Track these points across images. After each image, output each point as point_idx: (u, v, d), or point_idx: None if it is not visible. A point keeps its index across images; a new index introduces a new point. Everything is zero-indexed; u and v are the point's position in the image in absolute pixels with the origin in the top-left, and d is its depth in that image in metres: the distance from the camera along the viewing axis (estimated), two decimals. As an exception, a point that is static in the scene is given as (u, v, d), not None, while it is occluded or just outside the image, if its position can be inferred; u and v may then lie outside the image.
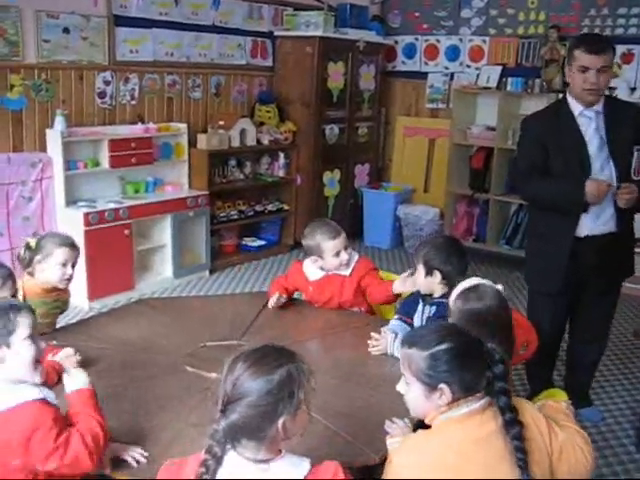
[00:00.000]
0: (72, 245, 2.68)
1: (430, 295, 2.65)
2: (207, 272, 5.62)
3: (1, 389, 1.73)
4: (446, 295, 2.52)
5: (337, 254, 2.95)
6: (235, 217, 5.93)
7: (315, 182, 6.31)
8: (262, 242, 6.30)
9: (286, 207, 6.34)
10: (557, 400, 1.98)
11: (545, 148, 2.99)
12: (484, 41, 6.34)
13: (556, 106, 3.17)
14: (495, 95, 6.07)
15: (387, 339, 2.53)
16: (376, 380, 2.35)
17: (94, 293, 4.64)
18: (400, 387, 1.78)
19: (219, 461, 1.47)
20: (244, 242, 6.21)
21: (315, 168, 6.26)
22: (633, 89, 5.48)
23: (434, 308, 2.61)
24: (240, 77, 6.10)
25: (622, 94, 5.38)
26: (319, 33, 5.92)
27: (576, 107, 2.98)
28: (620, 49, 5.56)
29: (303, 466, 1.50)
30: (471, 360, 1.66)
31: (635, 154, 2.91)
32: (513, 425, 1.62)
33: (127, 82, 5.17)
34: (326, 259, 2.97)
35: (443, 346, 1.65)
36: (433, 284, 2.62)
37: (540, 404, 1.93)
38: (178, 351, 2.50)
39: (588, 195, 2.86)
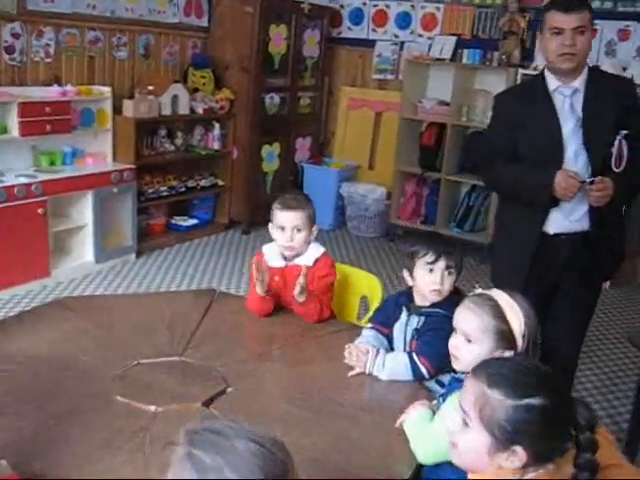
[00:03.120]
0: None
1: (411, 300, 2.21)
2: (133, 255, 5.04)
3: None
4: (443, 304, 2.12)
5: (282, 229, 2.46)
6: (165, 194, 5.39)
7: (253, 156, 5.78)
8: (194, 221, 5.78)
9: (221, 183, 5.83)
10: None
11: (516, 129, 2.60)
12: (438, 9, 5.90)
13: (533, 81, 2.74)
14: (449, 67, 5.65)
15: (368, 356, 2.08)
16: (355, 409, 1.89)
17: (1, 282, 4.00)
18: (451, 423, 1.36)
19: None
20: (174, 221, 5.68)
21: (253, 141, 5.73)
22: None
23: (423, 319, 2.17)
24: (172, 37, 5.50)
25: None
26: (261, -9, 5.34)
27: (553, 82, 2.58)
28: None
29: None
30: (561, 425, 1.26)
31: (617, 140, 2.48)
32: None
33: (40, 36, 4.50)
34: (271, 231, 2.52)
35: (536, 401, 1.25)
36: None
37: None
38: (104, 372, 1.96)
39: (556, 188, 2.45)
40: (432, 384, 2.12)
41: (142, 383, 1.91)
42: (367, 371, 2.07)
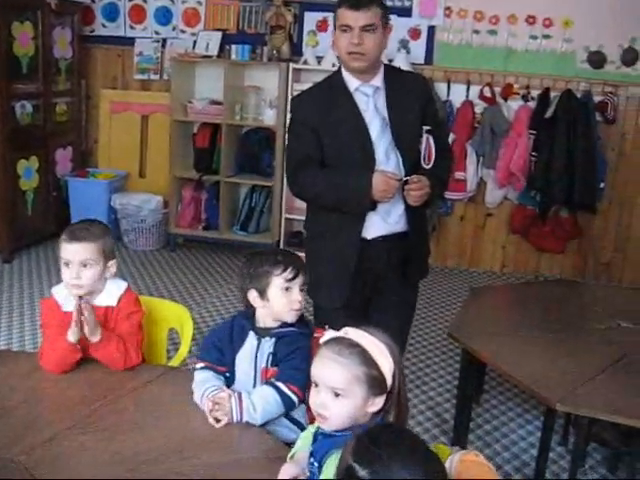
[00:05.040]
0: None
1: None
2: None
3: None
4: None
5: (67, 264, 2.06)
6: None
7: (7, 173, 5.03)
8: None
9: (-30, 206, 5.00)
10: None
11: (319, 134, 2.45)
12: (200, 3, 5.57)
13: (330, 81, 2.57)
14: (218, 64, 5.37)
15: (232, 403, 1.79)
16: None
17: None
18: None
19: None
20: None
21: (5, 156, 4.98)
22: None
23: (275, 341, 1.93)
24: None
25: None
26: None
27: (352, 82, 2.47)
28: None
29: None
30: None
31: (424, 137, 2.46)
32: None
33: None
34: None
35: None
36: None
37: (457, 460, 1.42)
38: None
39: (375, 192, 2.35)
40: (282, 426, 1.90)
41: None
42: (235, 420, 1.79)
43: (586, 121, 4.99)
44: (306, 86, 5.11)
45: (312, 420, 1.91)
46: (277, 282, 1.93)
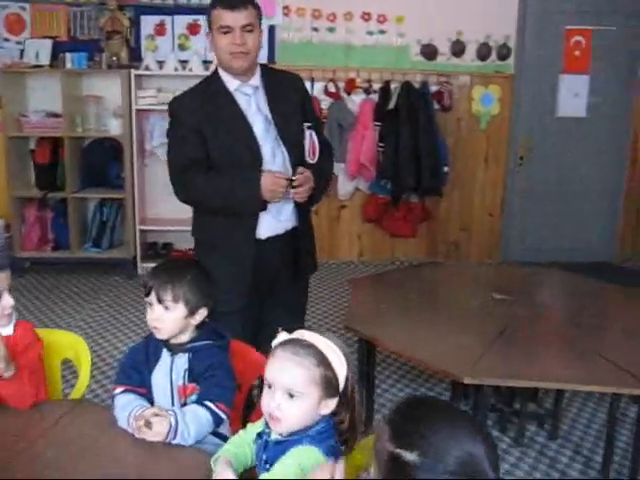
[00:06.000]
0: None
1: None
2: None
3: None
4: (202, 334, 1.90)
5: None
6: None
7: None
8: None
9: None
10: None
11: (203, 136, 2.43)
12: (23, 8, 5.17)
13: (208, 84, 2.55)
14: (52, 74, 5.03)
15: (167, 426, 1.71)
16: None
17: None
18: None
19: None
20: None
21: None
22: (206, 62, 5.13)
23: (190, 356, 1.88)
24: None
25: (196, 69, 5.01)
26: None
27: (231, 83, 2.48)
28: (185, 20, 5.18)
29: None
30: None
31: (307, 133, 2.52)
32: None
33: None
34: None
35: None
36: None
37: None
38: None
39: (264, 192, 2.37)
40: (208, 443, 1.84)
41: None
42: (173, 441, 1.72)
43: (426, 110, 5.27)
44: (150, 93, 5.06)
45: (235, 431, 1.89)
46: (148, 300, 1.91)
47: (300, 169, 2.43)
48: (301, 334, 1.51)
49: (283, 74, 2.74)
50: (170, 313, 1.86)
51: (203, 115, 2.43)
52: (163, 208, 5.20)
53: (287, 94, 2.56)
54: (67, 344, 2.36)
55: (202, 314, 1.92)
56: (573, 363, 2.56)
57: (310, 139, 2.52)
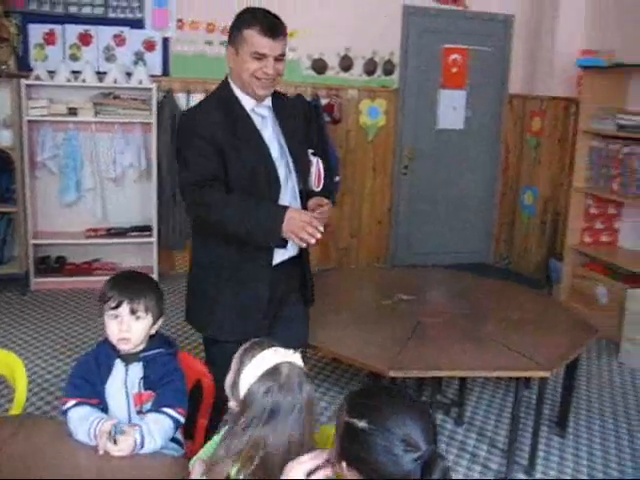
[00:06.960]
0: None
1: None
2: None
3: None
4: (154, 343, 1.99)
5: None
6: None
7: None
8: None
9: None
10: None
11: (223, 153, 2.26)
12: None
13: (221, 98, 2.37)
14: None
15: (135, 436, 1.77)
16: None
17: None
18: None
19: None
20: None
21: None
22: (100, 73, 5.08)
23: (141, 365, 1.95)
24: None
25: (89, 79, 4.96)
26: None
27: (247, 101, 2.34)
28: (77, 29, 5.11)
29: None
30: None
31: (313, 160, 2.46)
32: None
33: None
34: None
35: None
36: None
37: None
38: None
39: (286, 229, 2.15)
40: (168, 449, 1.94)
41: None
42: (141, 451, 1.78)
43: (317, 122, 5.49)
44: (42, 103, 4.95)
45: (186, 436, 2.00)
46: (106, 309, 1.94)
47: (316, 204, 2.32)
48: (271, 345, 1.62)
49: (289, 99, 2.60)
50: (139, 324, 1.93)
51: (223, 132, 2.27)
52: (55, 221, 5.07)
53: (296, 118, 2.51)
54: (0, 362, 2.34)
55: (159, 323, 2.00)
56: (478, 352, 2.84)
57: (316, 166, 2.46)
